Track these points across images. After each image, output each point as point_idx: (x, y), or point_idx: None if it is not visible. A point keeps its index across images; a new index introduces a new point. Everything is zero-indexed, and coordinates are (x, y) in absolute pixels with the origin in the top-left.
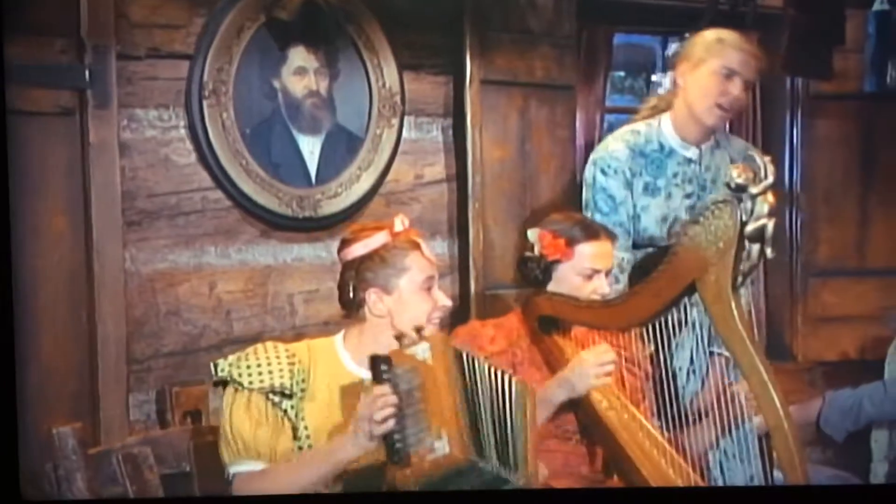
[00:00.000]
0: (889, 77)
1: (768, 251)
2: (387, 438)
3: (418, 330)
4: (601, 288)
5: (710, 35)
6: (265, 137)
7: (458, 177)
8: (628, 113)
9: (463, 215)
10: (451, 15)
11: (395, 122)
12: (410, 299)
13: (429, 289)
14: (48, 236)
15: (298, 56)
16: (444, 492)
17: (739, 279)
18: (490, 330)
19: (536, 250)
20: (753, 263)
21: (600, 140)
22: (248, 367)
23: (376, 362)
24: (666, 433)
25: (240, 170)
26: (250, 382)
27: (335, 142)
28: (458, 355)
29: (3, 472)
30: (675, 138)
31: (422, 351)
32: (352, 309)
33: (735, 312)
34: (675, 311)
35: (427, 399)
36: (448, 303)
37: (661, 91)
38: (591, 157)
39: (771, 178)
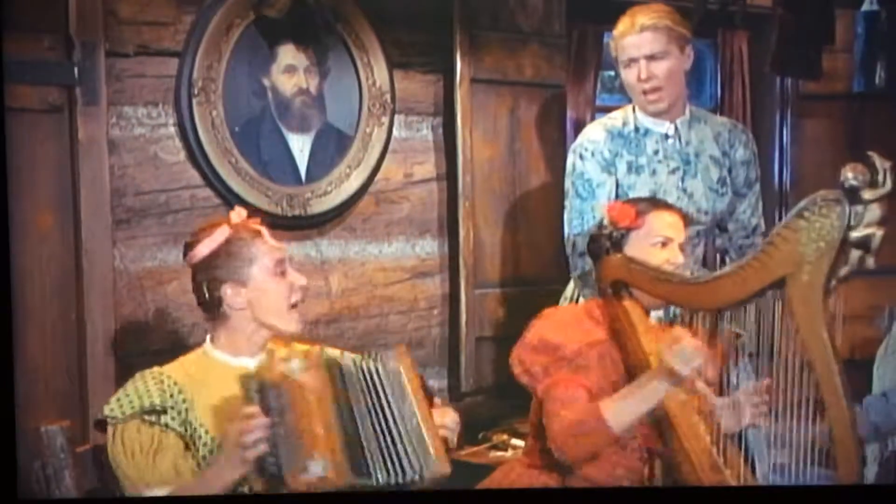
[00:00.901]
0: (878, 77)
1: (870, 261)
2: (259, 461)
3: (286, 346)
4: (675, 258)
5: (614, 32)
6: (254, 135)
7: (448, 175)
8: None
9: (453, 214)
10: (441, 13)
11: (385, 120)
12: (266, 286)
13: (282, 273)
14: (36, 234)
15: (288, 54)
16: (444, 491)
17: (833, 283)
18: (592, 317)
19: (605, 222)
20: (852, 270)
21: None
22: (118, 399)
23: (244, 382)
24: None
25: (229, 168)
26: (122, 412)
27: (325, 140)
28: (333, 365)
29: None
30: (645, 118)
31: (294, 368)
32: (212, 310)
33: (822, 316)
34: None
35: (299, 418)
36: (303, 281)
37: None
38: (572, 146)
39: (889, 186)
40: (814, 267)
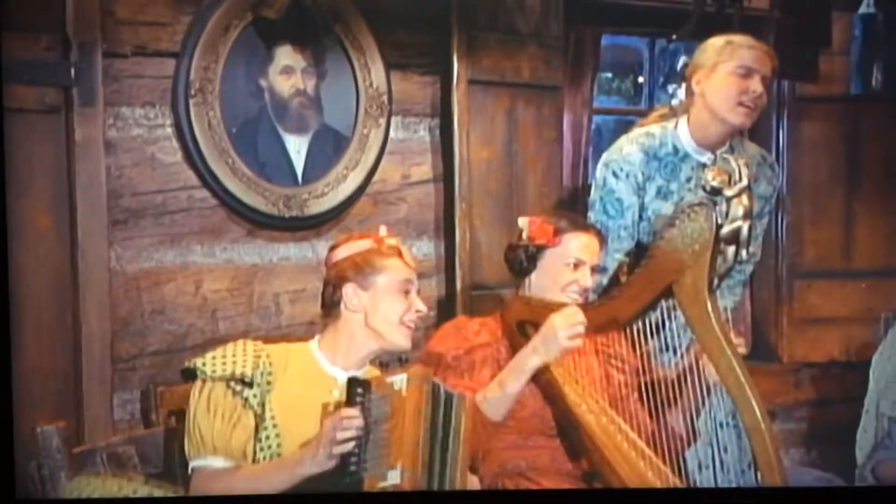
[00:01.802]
0: (875, 79)
1: (743, 253)
2: (344, 458)
3: (402, 360)
4: (584, 280)
5: (718, 40)
6: (252, 136)
7: (445, 177)
8: (616, 114)
9: (449, 215)
10: (439, 15)
11: (383, 121)
12: (385, 297)
13: (406, 292)
14: (33, 234)
15: (285, 55)
16: (444, 492)
17: (715, 281)
18: (475, 324)
19: (524, 236)
20: (729, 265)
21: (588, 141)
22: (213, 358)
23: (352, 384)
24: (651, 421)
25: (226, 169)
26: (213, 371)
27: (322, 141)
28: (436, 389)
29: None
30: (690, 143)
31: (399, 381)
32: (330, 307)
33: (712, 314)
34: (653, 313)
35: (393, 429)
36: (424, 309)
37: (674, 102)
38: (604, 158)
39: (745, 181)
40: (694, 269)
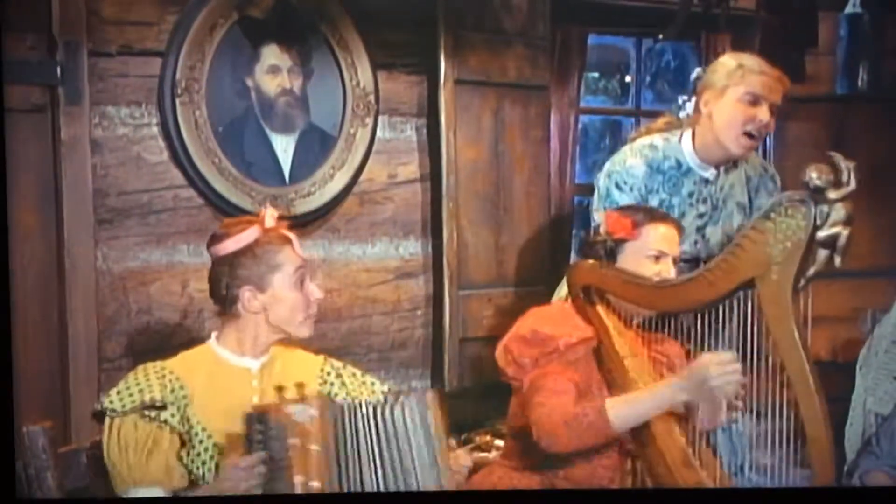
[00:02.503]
0: (861, 80)
1: (837, 260)
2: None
3: (300, 386)
4: (666, 271)
5: (730, 62)
6: (238, 136)
7: (432, 176)
8: (602, 114)
9: (437, 215)
10: (426, 15)
11: (369, 121)
12: (284, 295)
13: (301, 282)
14: (18, 234)
15: (272, 54)
16: (444, 492)
17: (801, 283)
18: (577, 316)
19: (602, 230)
20: (819, 270)
21: (575, 140)
22: (118, 392)
23: (251, 420)
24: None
25: (212, 168)
26: (123, 406)
27: (309, 141)
28: (339, 411)
29: None
30: (694, 158)
31: (300, 412)
32: (225, 306)
33: (792, 316)
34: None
35: (296, 462)
36: (320, 295)
37: (682, 114)
38: (607, 167)
39: (853, 185)
40: (781, 267)
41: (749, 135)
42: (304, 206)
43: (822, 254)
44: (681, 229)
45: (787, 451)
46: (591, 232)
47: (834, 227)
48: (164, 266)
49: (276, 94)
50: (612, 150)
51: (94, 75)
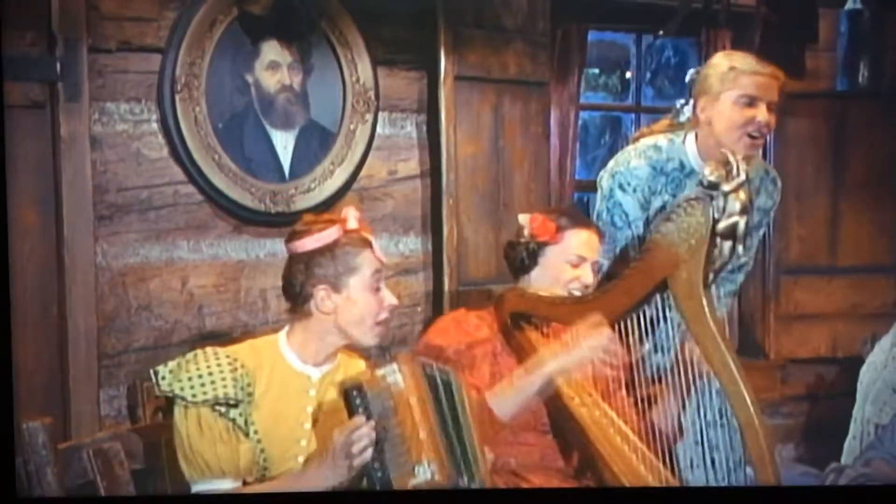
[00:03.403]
0: (861, 76)
1: (739, 249)
2: (366, 468)
3: (387, 351)
4: (585, 277)
5: (722, 64)
6: (238, 132)
7: (432, 173)
8: (602, 110)
9: (436, 211)
10: (425, 11)
11: (369, 117)
12: (359, 298)
13: (377, 288)
14: (18, 230)
15: (271, 50)
16: (445, 491)
17: (711, 276)
18: (474, 318)
19: (525, 233)
20: (725, 261)
21: (575, 137)
22: (190, 378)
23: (349, 394)
24: (638, 415)
25: (212, 164)
26: (193, 396)
27: (308, 137)
28: (426, 372)
29: None
30: (697, 160)
31: (391, 374)
32: (297, 303)
33: (707, 309)
34: (647, 307)
35: (402, 423)
36: (394, 301)
37: (681, 118)
38: (610, 167)
39: (743, 176)
40: (689, 264)
41: (750, 136)
42: (303, 203)
43: (726, 245)
44: (601, 235)
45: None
46: (515, 234)
47: (731, 218)
48: (164, 262)
49: (276, 91)
50: (612, 146)
51: (93, 71)
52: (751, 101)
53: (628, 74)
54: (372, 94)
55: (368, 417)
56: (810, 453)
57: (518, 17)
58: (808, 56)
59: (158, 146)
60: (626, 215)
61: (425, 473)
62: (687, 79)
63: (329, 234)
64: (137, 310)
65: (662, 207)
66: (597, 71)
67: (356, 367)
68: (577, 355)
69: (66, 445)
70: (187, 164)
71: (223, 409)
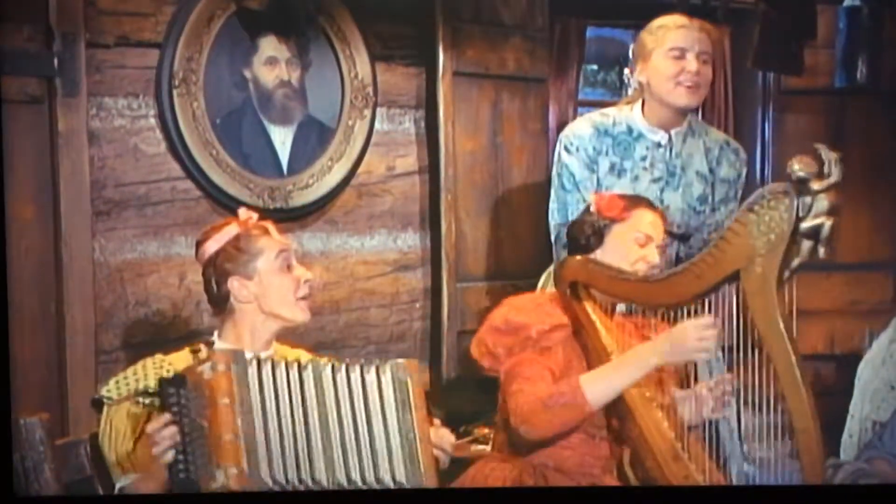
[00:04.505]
0: (859, 73)
1: (822, 251)
2: (170, 468)
3: (209, 345)
4: (652, 256)
5: (651, 26)
6: (236, 127)
7: (431, 169)
8: (601, 106)
9: (435, 207)
10: (424, 6)
11: (368, 113)
12: (272, 280)
13: (288, 266)
14: (15, 225)
15: (269, 46)
16: (444, 490)
17: (786, 274)
18: (550, 303)
19: (592, 209)
20: (803, 261)
21: None
22: (116, 381)
23: (163, 385)
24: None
25: (210, 160)
26: (118, 393)
27: (307, 132)
28: (248, 360)
29: None
30: (644, 123)
31: (208, 369)
32: (220, 304)
33: (777, 308)
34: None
35: (210, 423)
36: (309, 275)
37: (630, 91)
38: (559, 136)
39: (836, 177)
40: (766, 259)
41: (682, 84)
42: (301, 198)
43: (806, 245)
44: (666, 219)
45: (778, 444)
46: (583, 213)
47: (817, 219)
48: (162, 258)
49: (274, 86)
50: None
51: (91, 66)
52: (680, 53)
53: (627, 71)
54: (370, 89)
55: (182, 414)
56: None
57: (516, 12)
58: (807, 52)
59: (156, 141)
60: (573, 176)
61: (221, 478)
62: (629, 53)
63: (227, 232)
64: (135, 306)
65: (612, 168)
66: (595, 67)
67: (294, 355)
68: (681, 352)
69: (64, 441)
70: (185, 160)
71: (146, 400)
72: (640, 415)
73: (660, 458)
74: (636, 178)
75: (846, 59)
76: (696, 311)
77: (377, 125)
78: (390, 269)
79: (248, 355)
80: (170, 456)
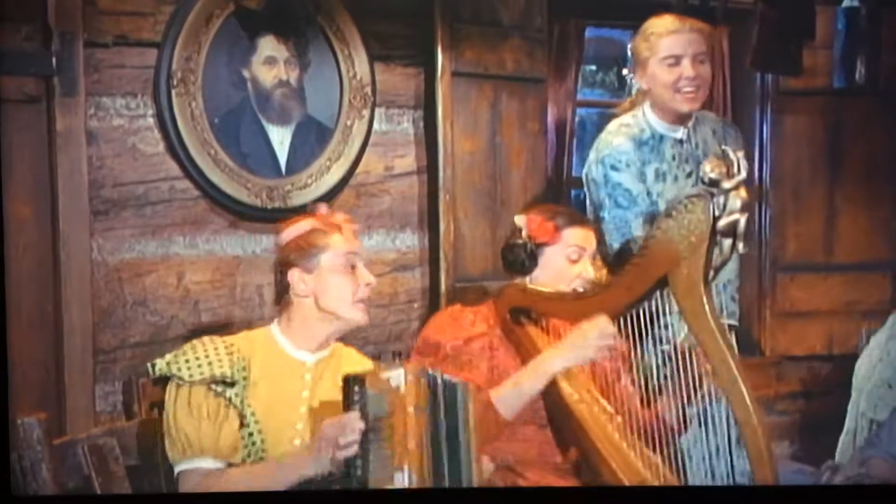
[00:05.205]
0: (858, 73)
1: (740, 246)
2: (348, 463)
3: (397, 354)
4: (586, 272)
5: (644, 32)
6: (234, 127)
7: (429, 169)
8: (599, 107)
9: (433, 208)
10: (423, 6)
11: (366, 113)
12: (331, 278)
13: (352, 266)
14: (13, 225)
15: (268, 46)
16: (444, 489)
17: (711, 273)
18: (470, 314)
19: (524, 234)
20: (725, 258)
21: (572, 133)
22: (188, 360)
23: (349, 384)
24: (640, 413)
25: (208, 160)
26: (191, 376)
27: (305, 132)
28: (432, 381)
29: None
30: (661, 124)
31: (395, 377)
32: (280, 294)
33: (707, 307)
34: (647, 303)
35: (394, 428)
36: (371, 279)
37: (634, 91)
38: (594, 156)
39: (744, 174)
40: (690, 261)
41: (682, 91)
42: (300, 198)
43: (726, 242)
44: (595, 230)
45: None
46: (511, 234)
47: (732, 215)
48: (160, 258)
49: (273, 86)
50: None
51: (89, 66)
52: (675, 60)
53: (625, 71)
54: (369, 89)
55: (363, 414)
56: (805, 451)
57: (515, 13)
58: (805, 53)
59: (154, 141)
60: (629, 192)
61: (401, 481)
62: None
63: (301, 226)
64: (133, 305)
65: (656, 175)
66: (594, 67)
67: (349, 356)
68: (582, 355)
69: (61, 441)
70: (183, 160)
71: (220, 388)
72: (587, 425)
73: (615, 467)
74: (676, 178)
75: (844, 59)
76: (631, 319)
77: (376, 125)
78: (388, 269)
79: (433, 371)
80: (353, 451)
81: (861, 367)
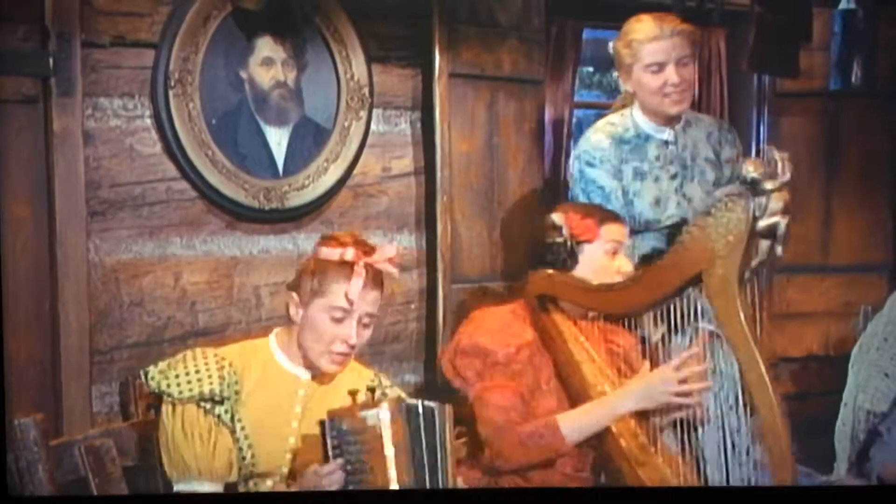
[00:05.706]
0: (854, 75)
1: (779, 249)
2: None
3: (371, 391)
4: (625, 266)
5: (625, 37)
6: (232, 128)
7: (426, 170)
8: (597, 108)
9: (431, 209)
10: (420, 7)
11: (363, 114)
12: (316, 321)
13: (339, 320)
14: (10, 225)
15: (265, 46)
16: (443, 490)
17: (746, 274)
18: (516, 320)
19: (564, 232)
20: (762, 260)
21: (569, 135)
22: (177, 376)
23: (326, 427)
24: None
25: (206, 160)
26: (180, 393)
27: (303, 133)
28: (412, 413)
29: None
30: (648, 124)
31: (372, 416)
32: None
33: (739, 307)
34: (678, 300)
35: (373, 468)
36: (354, 341)
37: (622, 91)
38: (574, 152)
39: (787, 176)
40: (726, 261)
41: (668, 95)
42: (297, 199)
43: (764, 244)
44: (625, 224)
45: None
46: (548, 231)
47: (772, 217)
48: (157, 259)
49: (270, 87)
50: None
51: (86, 66)
52: (659, 68)
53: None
54: (366, 90)
55: (341, 453)
56: (802, 452)
57: (513, 14)
58: (802, 55)
59: (152, 142)
60: (602, 188)
61: None
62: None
63: (335, 252)
64: (130, 306)
65: (634, 173)
66: (591, 69)
67: (346, 369)
68: (654, 398)
69: (58, 442)
70: (180, 160)
71: (208, 406)
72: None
73: (634, 463)
74: (657, 178)
75: (841, 61)
76: (659, 314)
77: (373, 126)
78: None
79: (412, 403)
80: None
81: (857, 355)
